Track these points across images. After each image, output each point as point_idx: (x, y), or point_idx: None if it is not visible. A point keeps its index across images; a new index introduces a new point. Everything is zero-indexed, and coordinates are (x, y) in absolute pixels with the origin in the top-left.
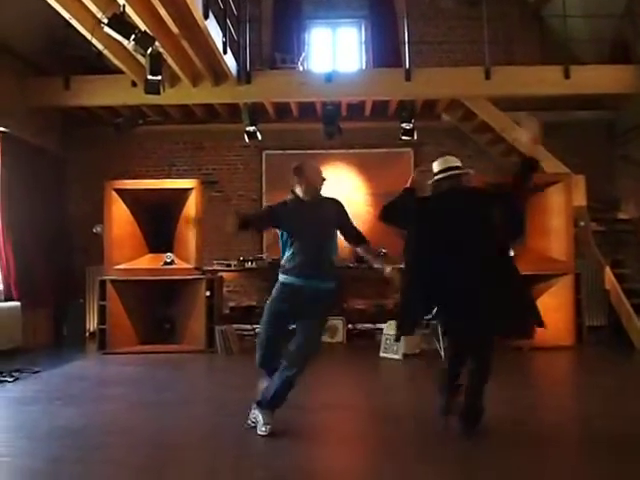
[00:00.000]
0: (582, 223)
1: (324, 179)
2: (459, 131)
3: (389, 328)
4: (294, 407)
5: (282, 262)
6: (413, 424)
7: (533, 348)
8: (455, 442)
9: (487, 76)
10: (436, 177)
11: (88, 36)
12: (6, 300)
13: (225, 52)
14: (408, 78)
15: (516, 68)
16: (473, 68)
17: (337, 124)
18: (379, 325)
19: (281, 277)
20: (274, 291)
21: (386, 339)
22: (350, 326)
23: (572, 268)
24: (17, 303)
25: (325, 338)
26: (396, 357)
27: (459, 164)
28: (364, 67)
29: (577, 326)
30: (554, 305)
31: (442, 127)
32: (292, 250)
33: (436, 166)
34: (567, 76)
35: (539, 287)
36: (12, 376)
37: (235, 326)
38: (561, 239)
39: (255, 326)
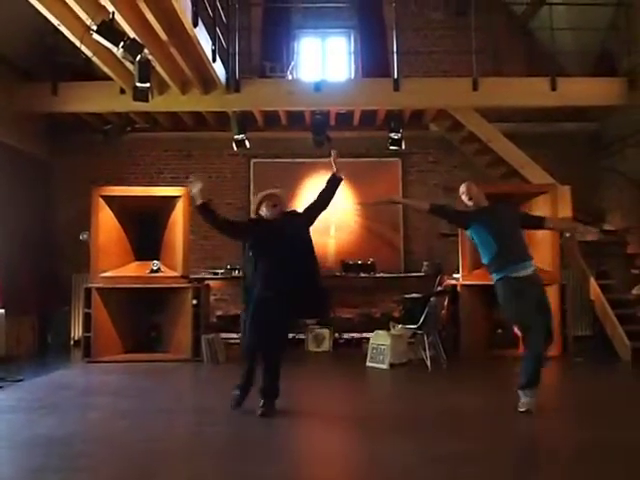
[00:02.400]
0: (567, 234)
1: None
2: (447, 141)
3: (376, 338)
4: (279, 415)
5: None
6: (398, 435)
7: (518, 357)
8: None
9: (475, 87)
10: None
11: (77, 43)
12: None
13: (214, 60)
14: (396, 88)
15: (503, 79)
16: (461, 79)
17: (326, 133)
18: (366, 334)
19: None
20: None
21: (372, 349)
22: (337, 335)
23: (558, 279)
24: (1, 311)
25: (312, 347)
26: (383, 367)
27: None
28: (353, 77)
29: (563, 336)
30: None
31: (430, 137)
32: None
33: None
34: (553, 88)
35: None
36: None
37: (222, 335)
38: (547, 250)
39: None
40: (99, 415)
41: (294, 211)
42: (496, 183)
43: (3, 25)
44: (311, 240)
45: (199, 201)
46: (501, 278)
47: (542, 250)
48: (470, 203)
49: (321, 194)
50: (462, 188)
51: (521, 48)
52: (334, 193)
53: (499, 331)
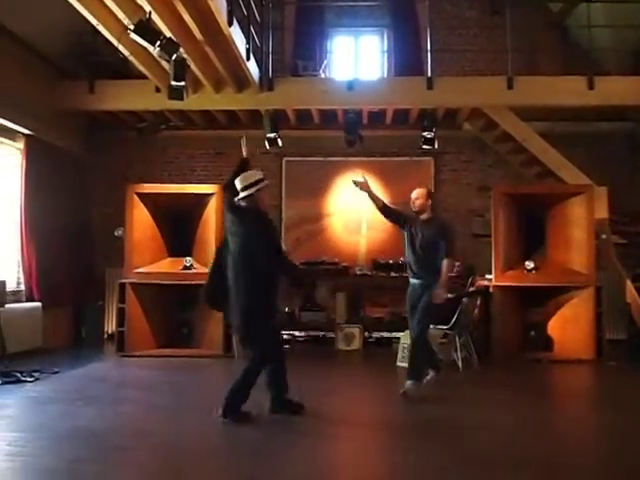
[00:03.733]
0: (604, 236)
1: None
2: (480, 140)
3: (406, 337)
4: (310, 415)
5: None
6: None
7: (552, 361)
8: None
9: (509, 85)
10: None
11: (114, 42)
12: (27, 301)
13: (248, 59)
14: (430, 87)
15: (539, 78)
16: (495, 77)
17: (358, 132)
18: (396, 334)
19: None
20: None
21: (403, 348)
22: (367, 334)
23: (593, 281)
24: (38, 304)
25: (341, 345)
26: None
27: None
28: (386, 75)
29: (597, 339)
30: (574, 318)
31: (463, 136)
32: None
33: (239, 183)
34: (591, 87)
35: (559, 299)
36: (32, 376)
37: None
38: (582, 251)
39: None
40: (133, 409)
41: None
42: (531, 183)
43: (43, 25)
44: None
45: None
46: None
47: (577, 252)
48: (413, 209)
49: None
50: (412, 193)
51: (557, 46)
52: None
53: (532, 333)
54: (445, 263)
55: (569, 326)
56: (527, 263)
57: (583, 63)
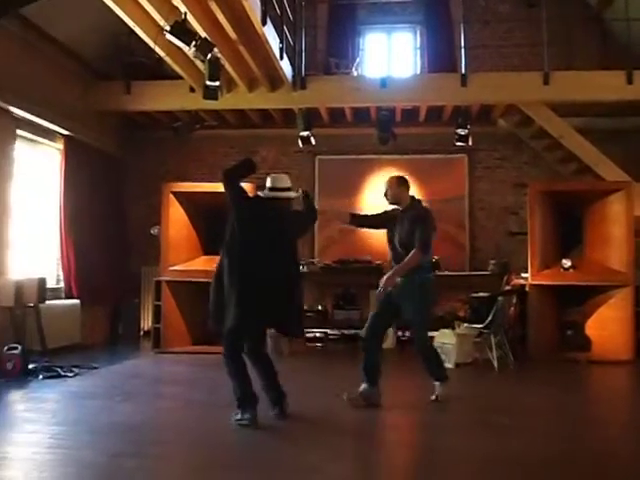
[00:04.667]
0: None
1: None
2: (515, 137)
3: (441, 336)
4: (345, 411)
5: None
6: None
7: (590, 361)
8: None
9: (546, 81)
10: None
11: (151, 43)
12: (66, 298)
13: (281, 58)
14: (464, 83)
15: (576, 73)
16: (531, 73)
17: (391, 130)
18: (429, 333)
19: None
20: None
21: (438, 347)
22: (400, 332)
23: (632, 280)
24: (77, 301)
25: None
26: (448, 366)
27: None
28: (419, 72)
29: (637, 340)
30: (613, 317)
31: (498, 133)
32: None
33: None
34: (630, 81)
35: (597, 299)
36: (72, 371)
37: None
38: (621, 249)
39: (306, 330)
40: (170, 404)
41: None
42: (567, 180)
43: (80, 28)
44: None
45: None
46: None
47: (616, 250)
48: (387, 202)
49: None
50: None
51: (595, 40)
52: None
53: (569, 333)
54: (411, 254)
55: (608, 326)
56: (564, 261)
57: (621, 57)
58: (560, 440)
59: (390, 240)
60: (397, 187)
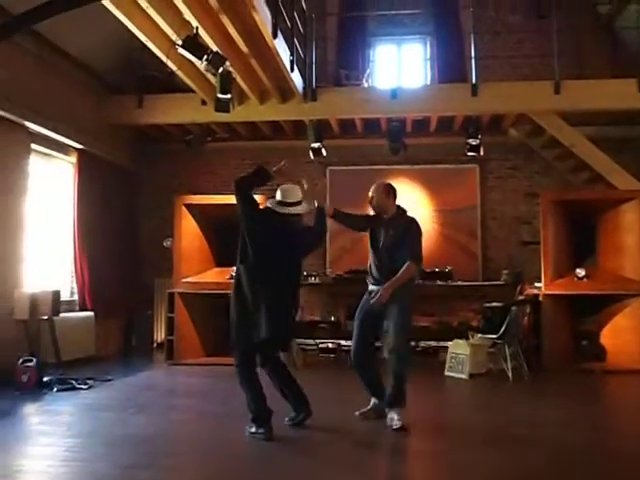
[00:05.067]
0: None
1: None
2: (526, 146)
3: (455, 347)
4: (358, 422)
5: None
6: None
7: (606, 371)
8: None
9: (557, 90)
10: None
11: (163, 57)
12: (80, 310)
13: (292, 70)
14: (474, 93)
15: (587, 82)
16: (542, 82)
17: (402, 140)
18: (442, 343)
19: None
20: None
21: (451, 358)
22: (413, 343)
23: None
24: (91, 313)
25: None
26: (462, 376)
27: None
28: (429, 83)
29: None
30: (628, 327)
31: (509, 142)
32: None
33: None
34: None
35: (612, 308)
36: (86, 384)
37: (298, 341)
38: (635, 258)
39: (318, 341)
40: (184, 416)
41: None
42: (580, 189)
43: (94, 42)
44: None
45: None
46: None
47: (630, 259)
48: (371, 208)
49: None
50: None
51: (605, 49)
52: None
53: (584, 343)
54: (405, 266)
55: (622, 335)
56: (578, 271)
57: (632, 65)
58: (577, 452)
59: (374, 245)
60: (385, 195)
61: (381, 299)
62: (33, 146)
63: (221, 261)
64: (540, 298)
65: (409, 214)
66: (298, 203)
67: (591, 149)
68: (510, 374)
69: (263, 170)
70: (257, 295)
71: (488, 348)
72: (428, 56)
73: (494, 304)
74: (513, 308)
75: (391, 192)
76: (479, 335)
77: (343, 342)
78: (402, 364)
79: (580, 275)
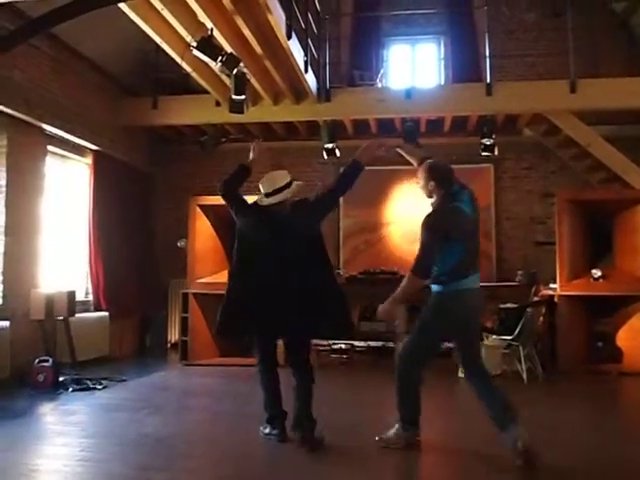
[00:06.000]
0: None
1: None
2: (542, 146)
3: None
4: (374, 425)
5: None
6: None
7: (622, 373)
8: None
9: (572, 89)
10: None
11: (178, 59)
12: (95, 311)
13: (306, 71)
14: (489, 93)
15: (603, 80)
16: (557, 81)
17: (416, 140)
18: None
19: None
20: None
21: None
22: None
23: None
24: (105, 313)
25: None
26: None
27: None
28: (443, 83)
29: None
30: None
31: (524, 142)
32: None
33: (267, 186)
34: None
35: (628, 309)
36: (101, 384)
37: (312, 342)
38: None
39: (332, 342)
40: (199, 416)
41: (304, 200)
42: (596, 189)
43: (109, 45)
44: (322, 238)
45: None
46: None
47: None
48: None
49: (339, 181)
50: None
51: (621, 47)
52: (353, 183)
53: (600, 344)
54: (405, 277)
55: (639, 336)
56: (594, 271)
57: None
58: (592, 454)
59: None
60: (427, 179)
61: (378, 316)
62: (49, 148)
63: None
64: (555, 299)
65: (440, 203)
66: (281, 189)
67: (607, 148)
68: (525, 376)
69: (240, 166)
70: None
71: (502, 349)
72: (442, 56)
73: (509, 305)
74: (528, 309)
75: (433, 173)
76: (493, 336)
77: (356, 343)
78: (397, 380)
79: (596, 276)
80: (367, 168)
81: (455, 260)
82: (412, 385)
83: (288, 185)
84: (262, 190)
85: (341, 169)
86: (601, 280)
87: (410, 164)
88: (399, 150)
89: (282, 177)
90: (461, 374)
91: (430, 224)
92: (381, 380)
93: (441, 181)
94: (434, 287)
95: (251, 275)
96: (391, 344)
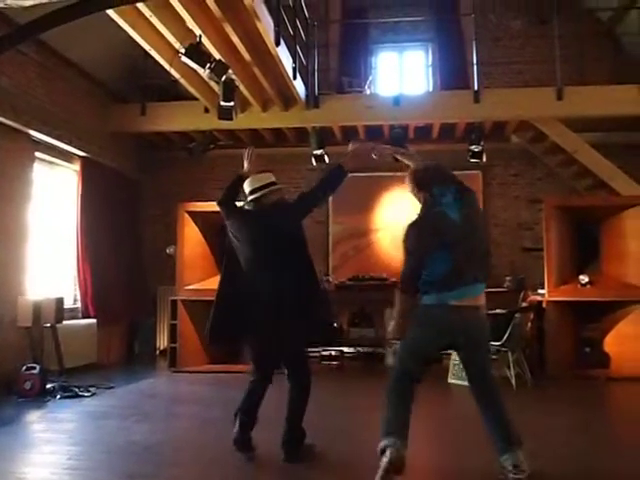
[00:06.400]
0: None
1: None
2: (529, 153)
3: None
4: (365, 430)
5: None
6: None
7: (610, 378)
8: None
9: (559, 96)
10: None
11: (166, 66)
12: (83, 317)
13: (295, 77)
14: (477, 100)
15: (589, 88)
16: (544, 88)
17: (405, 147)
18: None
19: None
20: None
21: (454, 365)
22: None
23: None
24: (93, 321)
25: (391, 361)
26: (465, 384)
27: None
28: (431, 90)
29: None
30: (632, 334)
31: (511, 149)
32: None
33: (248, 185)
34: None
35: (615, 315)
36: (89, 391)
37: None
38: (639, 264)
39: (322, 348)
40: (187, 424)
41: (283, 200)
42: (583, 195)
43: (98, 51)
44: (302, 239)
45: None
46: None
47: (634, 265)
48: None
49: (321, 183)
50: None
51: (607, 55)
52: (336, 187)
53: (587, 350)
54: (396, 296)
55: (627, 342)
56: (581, 277)
57: (634, 71)
58: (579, 459)
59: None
60: (411, 185)
61: (391, 337)
62: (37, 154)
63: None
64: (543, 305)
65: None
66: (262, 188)
67: (594, 155)
68: (513, 381)
69: (237, 177)
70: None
71: (491, 355)
72: (430, 63)
73: (497, 311)
74: (516, 315)
75: (415, 178)
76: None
77: (346, 349)
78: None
79: (583, 282)
80: (355, 174)
81: (440, 270)
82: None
83: (270, 185)
84: (246, 190)
85: (323, 172)
86: (588, 286)
87: (399, 170)
88: (397, 155)
89: (266, 177)
90: (451, 379)
91: (405, 237)
92: (372, 385)
93: (421, 185)
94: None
95: (237, 279)
96: (381, 349)
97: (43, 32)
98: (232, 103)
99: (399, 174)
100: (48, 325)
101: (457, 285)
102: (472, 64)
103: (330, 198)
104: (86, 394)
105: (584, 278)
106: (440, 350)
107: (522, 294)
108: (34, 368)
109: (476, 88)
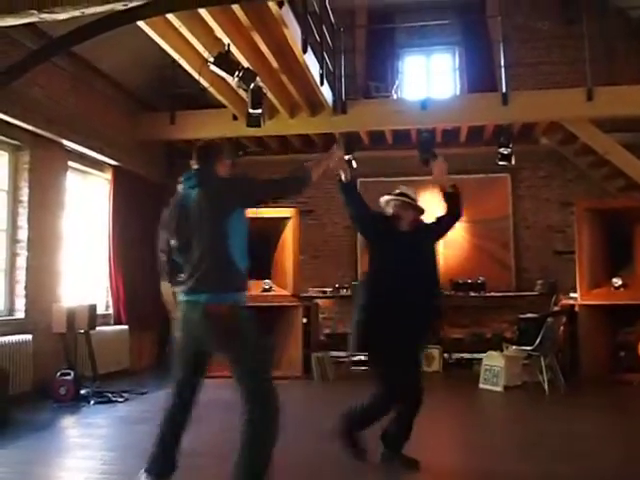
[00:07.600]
0: None
1: None
2: (559, 154)
3: (489, 359)
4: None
5: None
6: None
7: None
8: None
9: (589, 97)
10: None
11: (195, 74)
12: (115, 324)
13: (322, 83)
14: (505, 102)
15: (620, 88)
16: (574, 89)
17: (433, 151)
18: (476, 355)
19: None
20: None
21: (485, 370)
22: (446, 355)
23: None
24: (125, 327)
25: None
26: (497, 389)
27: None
28: (459, 93)
29: None
30: None
31: (541, 151)
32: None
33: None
34: None
35: None
36: (122, 397)
37: (330, 353)
38: None
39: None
40: (218, 428)
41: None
42: (615, 197)
43: (128, 61)
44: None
45: (344, 178)
46: None
47: None
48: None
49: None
50: None
51: (637, 54)
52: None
53: (622, 354)
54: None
55: None
56: (614, 280)
57: None
58: (614, 465)
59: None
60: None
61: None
62: (70, 163)
63: (253, 274)
64: (576, 308)
65: None
66: (404, 194)
67: (626, 156)
68: (546, 386)
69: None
70: None
71: (523, 360)
72: (457, 66)
73: (529, 315)
74: (548, 319)
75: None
76: (513, 347)
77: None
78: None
79: (617, 285)
80: (383, 179)
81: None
82: None
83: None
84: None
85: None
86: (622, 289)
87: (427, 174)
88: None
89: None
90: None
91: None
92: None
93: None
94: None
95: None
96: None
97: (76, 44)
98: (260, 110)
99: (427, 178)
100: (82, 331)
101: (179, 279)
102: (499, 66)
103: None
104: (119, 399)
105: (617, 281)
106: None
107: (554, 298)
108: (69, 374)
109: (504, 90)
